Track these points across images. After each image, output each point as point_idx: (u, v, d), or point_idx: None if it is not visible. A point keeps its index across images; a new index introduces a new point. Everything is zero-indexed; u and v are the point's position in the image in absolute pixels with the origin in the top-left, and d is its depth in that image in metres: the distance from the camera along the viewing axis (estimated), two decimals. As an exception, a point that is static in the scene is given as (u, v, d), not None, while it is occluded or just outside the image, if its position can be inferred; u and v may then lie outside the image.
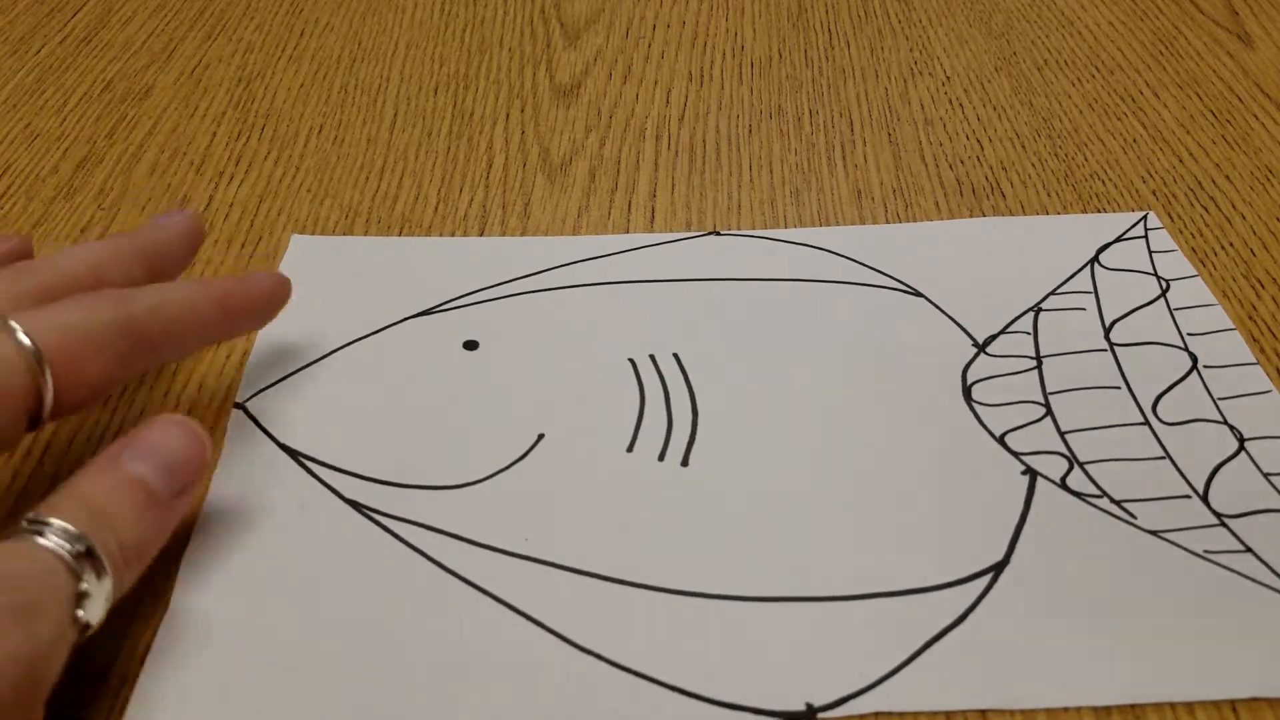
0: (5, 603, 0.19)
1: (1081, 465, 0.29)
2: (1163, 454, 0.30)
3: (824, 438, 0.30)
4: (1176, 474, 0.29)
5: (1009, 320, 0.34)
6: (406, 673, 0.24)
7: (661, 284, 0.35)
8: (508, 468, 0.29)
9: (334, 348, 0.33)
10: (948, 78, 0.46)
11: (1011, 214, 0.38)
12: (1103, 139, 0.42)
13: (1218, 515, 0.28)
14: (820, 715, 0.24)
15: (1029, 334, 0.33)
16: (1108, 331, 0.33)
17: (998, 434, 0.30)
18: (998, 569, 0.27)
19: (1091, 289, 0.35)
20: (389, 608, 0.26)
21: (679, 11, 0.51)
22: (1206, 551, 0.27)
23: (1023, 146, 0.42)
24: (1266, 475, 0.29)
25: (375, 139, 0.42)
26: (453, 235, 0.37)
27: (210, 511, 0.28)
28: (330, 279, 0.35)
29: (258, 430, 0.30)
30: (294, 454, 0.29)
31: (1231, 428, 0.30)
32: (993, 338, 0.33)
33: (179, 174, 0.40)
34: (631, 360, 0.32)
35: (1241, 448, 0.30)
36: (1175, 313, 0.34)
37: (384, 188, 0.40)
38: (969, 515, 0.28)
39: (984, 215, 0.38)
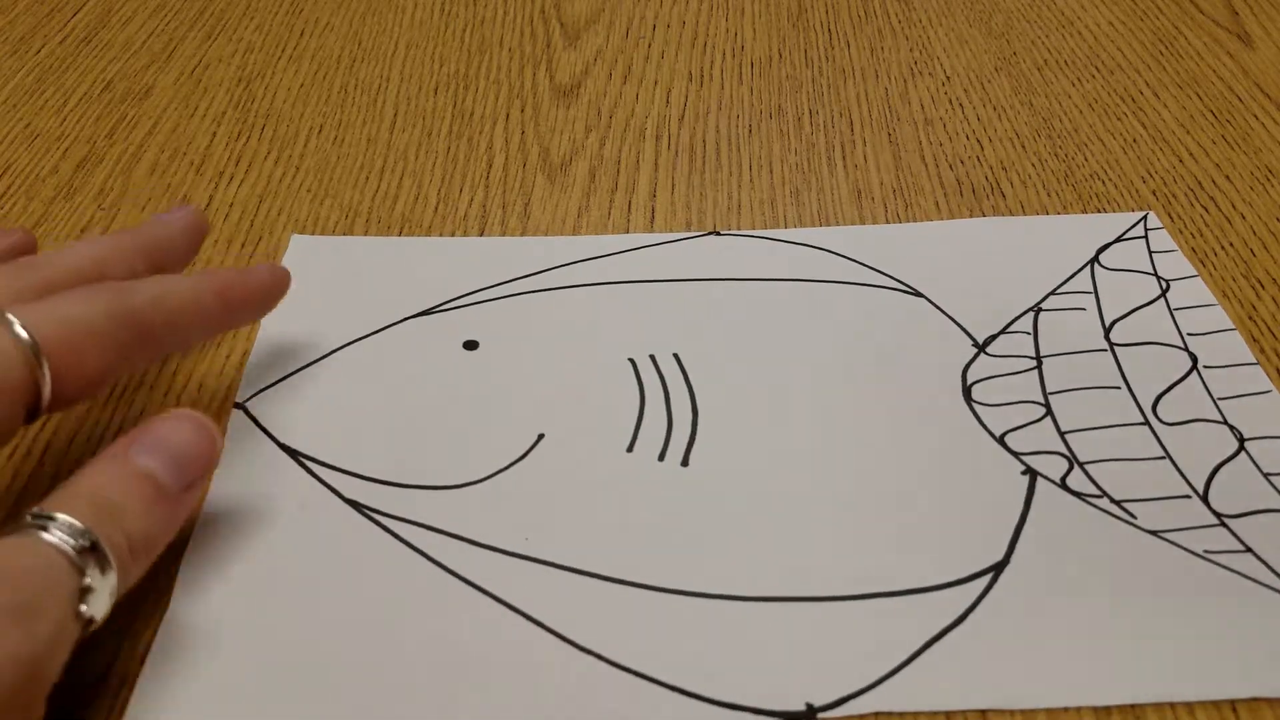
0: (5, 602, 0.19)
1: (1081, 465, 0.29)
2: (1163, 454, 0.30)
3: (824, 438, 0.30)
4: (1176, 474, 0.29)
5: (1009, 320, 0.34)
6: (406, 673, 0.24)
7: (661, 284, 0.35)
8: (508, 468, 0.29)
9: (334, 348, 0.33)
10: (948, 78, 0.46)
11: (1011, 214, 0.38)
12: (1103, 139, 0.42)
13: (1218, 515, 0.28)
14: (820, 715, 0.24)
15: (1029, 334, 0.33)
16: (1108, 331, 0.33)
17: (998, 434, 0.30)
18: (998, 569, 0.27)
19: (1091, 289, 0.35)
20: (389, 608, 0.26)
21: (679, 11, 0.51)
22: (1206, 551, 0.27)
23: (1023, 146, 0.42)
24: (1266, 475, 0.29)
25: (375, 139, 0.42)
26: (453, 235, 0.37)
27: (210, 512, 0.28)
28: (330, 279, 0.35)
29: (258, 430, 0.30)
30: (294, 454, 0.29)
31: (1231, 428, 0.30)
32: (993, 338, 0.33)
33: (179, 174, 0.40)
34: (631, 360, 0.32)
35: (1241, 448, 0.30)
36: (1175, 313, 0.34)
37: (384, 188, 0.40)
38: (969, 515, 0.28)
39: (984, 215, 0.38)
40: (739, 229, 0.38)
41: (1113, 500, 0.28)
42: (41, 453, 0.30)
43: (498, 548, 0.27)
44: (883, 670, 0.25)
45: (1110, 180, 0.40)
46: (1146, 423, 0.30)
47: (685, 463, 0.29)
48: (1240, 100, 0.44)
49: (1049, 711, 0.24)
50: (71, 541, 0.21)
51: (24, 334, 0.23)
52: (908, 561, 0.27)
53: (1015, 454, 0.30)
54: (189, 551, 0.27)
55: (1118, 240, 0.37)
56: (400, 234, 0.37)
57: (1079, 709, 0.24)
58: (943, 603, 0.26)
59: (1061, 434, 0.30)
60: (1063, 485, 0.29)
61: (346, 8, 0.52)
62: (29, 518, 0.21)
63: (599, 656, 0.25)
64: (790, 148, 0.42)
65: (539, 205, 0.39)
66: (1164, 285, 0.35)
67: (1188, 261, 0.36)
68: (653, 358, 0.33)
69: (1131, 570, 0.27)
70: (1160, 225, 0.37)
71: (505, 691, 0.24)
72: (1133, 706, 0.24)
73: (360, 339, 0.33)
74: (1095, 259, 0.36)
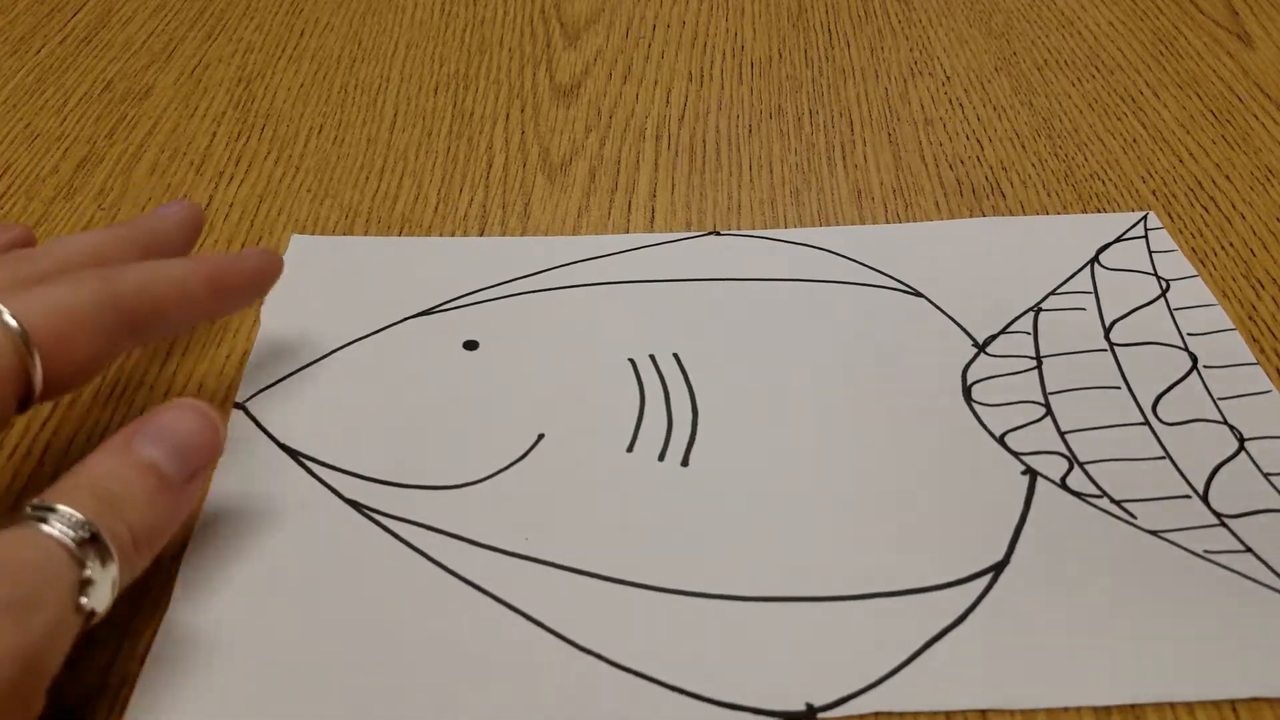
0: (4, 595, 0.19)
1: (1081, 465, 0.29)
2: (1163, 454, 0.30)
3: (824, 438, 0.30)
4: (1176, 474, 0.29)
5: (1009, 320, 0.34)
6: (406, 673, 0.24)
7: (661, 284, 0.35)
8: (508, 468, 0.29)
9: (334, 348, 0.33)
10: (948, 78, 0.46)
11: (1011, 214, 0.38)
12: (1103, 139, 0.42)
13: (1218, 515, 0.28)
14: (820, 715, 0.24)
15: (1029, 334, 0.33)
16: (1108, 331, 0.33)
17: (998, 434, 0.30)
18: (998, 569, 0.27)
19: (1091, 289, 0.35)
20: (389, 608, 0.26)
21: (679, 11, 0.51)
22: (1206, 551, 0.27)
23: (1023, 146, 0.42)
24: (1266, 475, 0.29)
25: (375, 139, 0.42)
26: (453, 235, 0.37)
27: (210, 511, 0.28)
28: (330, 279, 0.35)
29: (258, 430, 0.30)
30: (294, 454, 0.29)
31: (1231, 428, 0.30)
32: (993, 338, 0.33)
33: (179, 174, 0.40)
34: (631, 360, 0.32)
35: (1241, 448, 0.30)
36: (1175, 313, 0.34)
37: (384, 188, 0.40)
38: (969, 515, 0.28)
39: (984, 215, 0.38)
40: (739, 229, 0.38)
41: (1113, 500, 0.28)
42: (41, 452, 0.30)
43: (498, 548, 0.27)
44: (883, 670, 0.25)
45: (1110, 180, 0.40)
46: (1146, 423, 0.30)
47: (685, 463, 0.29)
48: (1240, 100, 0.44)
49: (1049, 711, 0.24)
50: (71, 533, 0.20)
51: (13, 323, 0.23)
52: (908, 561, 0.27)
53: (1015, 454, 0.30)
54: (189, 551, 0.27)
55: (1118, 240, 0.37)
56: (400, 234, 0.37)
57: (1079, 709, 0.24)
58: (943, 603, 0.26)
59: (1061, 434, 0.30)
60: (1063, 485, 0.29)
61: (346, 8, 0.52)
62: (29, 509, 0.21)
63: (599, 656, 0.25)
64: (790, 148, 0.42)
65: (539, 205, 0.39)
66: (1164, 285, 0.35)
67: (1188, 261, 0.36)
68: (653, 358, 0.33)
69: (1131, 570, 0.27)
70: (1160, 225, 0.37)
71: (505, 691, 0.24)
72: (1133, 706, 0.24)
73: (360, 339, 0.33)
74: (1095, 259, 0.36)
